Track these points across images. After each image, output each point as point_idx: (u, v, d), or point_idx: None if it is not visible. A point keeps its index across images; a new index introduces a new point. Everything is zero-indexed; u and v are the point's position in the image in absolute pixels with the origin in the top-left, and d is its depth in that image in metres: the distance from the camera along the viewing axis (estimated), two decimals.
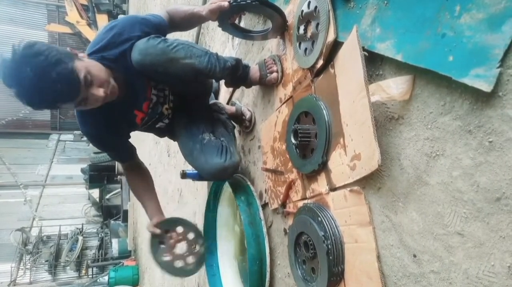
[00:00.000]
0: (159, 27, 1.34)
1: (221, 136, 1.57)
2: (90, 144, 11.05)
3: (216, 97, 2.07)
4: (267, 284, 1.45)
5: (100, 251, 9.78)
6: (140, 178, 1.66)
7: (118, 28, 1.28)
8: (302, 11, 1.17)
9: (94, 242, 10.35)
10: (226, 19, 1.37)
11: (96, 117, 1.37)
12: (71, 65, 1.10)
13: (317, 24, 1.08)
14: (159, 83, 1.44)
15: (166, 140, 3.30)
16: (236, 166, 1.51)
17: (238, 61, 1.43)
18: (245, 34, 1.51)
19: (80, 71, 1.12)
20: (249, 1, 1.26)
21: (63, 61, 1.08)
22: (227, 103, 1.96)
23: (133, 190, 1.69)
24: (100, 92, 1.19)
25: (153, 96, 1.44)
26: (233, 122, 1.75)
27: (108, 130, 1.43)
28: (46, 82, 1.05)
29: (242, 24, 1.78)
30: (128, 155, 1.60)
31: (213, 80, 1.87)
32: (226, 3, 1.29)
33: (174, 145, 3.26)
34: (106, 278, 7.14)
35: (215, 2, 1.31)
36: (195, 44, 1.36)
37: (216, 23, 1.40)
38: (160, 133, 1.69)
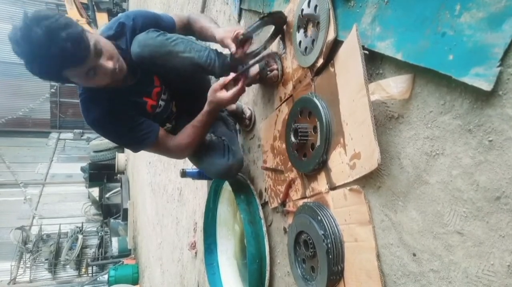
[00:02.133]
0: (165, 25, 1.35)
1: (222, 135, 1.56)
2: (90, 143, 11.07)
3: None
4: (266, 282, 1.45)
5: (100, 250, 9.78)
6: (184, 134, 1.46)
7: (124, 19, 1.31)
8: (302, 9, 1.17)
9: (94, 241, 10.35)
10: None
11: (102, 103, 1.30)
12: (81, 29, 1.10)
13: (317, 23, 1.08)
14: (161, 77, 1.44)
15: None
16: (240, 162, 1.52)
17: None
18: (251, 57, 1.44)
19: (90, 39, 1.12)
20: (254, 26, 1.24)
21: (73, 24, 1.08)
22: None
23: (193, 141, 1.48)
24: (110, 64, 1.17)
25: (162, 86, 1.44)
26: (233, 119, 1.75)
27: (116, 115, 1.34)
28: (56, 41, 1.03)
29: (242, 22, 1.77)
30: (154, 135, 1.40)
31: (213, 78, 1.87)
32: (234, 49, 1.27)
33: None
34: (106, 276, 7.14)
35: (228, 37, 1.29)
36: (196, 40, 1.36)
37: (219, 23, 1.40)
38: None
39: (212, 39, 1.41)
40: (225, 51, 1.99)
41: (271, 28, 1.35)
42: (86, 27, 11.45)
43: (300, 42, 1.20)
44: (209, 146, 1.50)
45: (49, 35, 1.02)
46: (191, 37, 1.38)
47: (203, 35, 1.48)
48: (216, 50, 1.35)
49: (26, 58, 1.06)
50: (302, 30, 1.18)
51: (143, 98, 1.41)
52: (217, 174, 1.49)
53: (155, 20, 1.36)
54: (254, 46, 1.43)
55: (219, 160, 1.46)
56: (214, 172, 1.49)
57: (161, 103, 1.49)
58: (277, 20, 1.29)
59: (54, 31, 1.03)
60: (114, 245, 8.67)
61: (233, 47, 1.27)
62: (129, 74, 1.31)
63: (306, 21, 1.16)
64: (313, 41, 1.11)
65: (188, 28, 1.45)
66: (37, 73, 1.11)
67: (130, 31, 1.31)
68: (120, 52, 1.26)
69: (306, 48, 1.15)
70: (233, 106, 1.77)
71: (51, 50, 1.03)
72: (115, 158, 9.65)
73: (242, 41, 1.28)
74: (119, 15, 1.36)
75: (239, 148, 1.56)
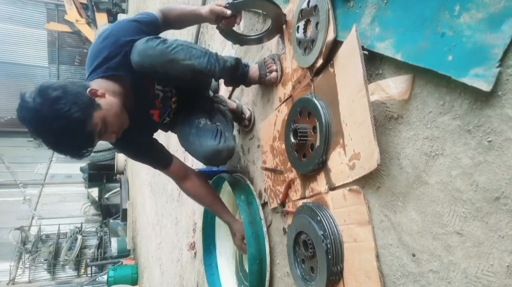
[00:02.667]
0: (152, 25, 1.34)
1: (217, 121, 1.56)
2: None
3: None
4: (266, 283, 1.45)
5: (99, 250, 9.77)
6: (198, 183, 1.63)
7: (113, 36, 1.27)
8: (302, 10, 1.17)
9: (93, 241, 10.35)
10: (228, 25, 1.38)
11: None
12: (89, 123, 1.16)
13: (317, 23, 1.08)
14: (161, 82, 1.45)
15: (164, 138, 3.30)
16: (230, 150, 1.50)
17: (237, 61, 1.43)
18: (241, 39, 1.50)
19: (97, 125, 1.18)
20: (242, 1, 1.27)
21: (82, 123, 1.14)
22: None
23: (198, 200, 1.68)
24: (112, 137, 1.29)
25: (158, 92, 1.44)
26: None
27: (133, 140, 1.45)
28: (64, 144, 1.17)
29: (242, 24, 1.78)
30: (167, 160, 1.56)
31: (212, 79, 1.87)
32: (229, 12, 1.30)
33: (172, 143, 3.26)
34: (105, 277, 7.13)
35: (220, 5, 1.31)
36: (194, 44, 1.36)
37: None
38: (164, 128, 1.69)
39: (199, 18, 1.41)
40: (224, 53, 1.99)
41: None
42: (86, 28, 11.49)
43: (299, 42, 1.20)
44: (202, 129, 1.48)
45: (59, 140, 1.15)
46: (190, 41, 1.38)
47: (186, 21, 1.47)
48: (216, 54, 1.35)
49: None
50: (301, 31, 1.18)
51: (149, 111, 1.45)
52: (205, 157, 1.46)
53: (143, 30, 1.33)
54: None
55: (209, 142, 1.44)
56: (202, 154, 1.46)
57: (172, 105, 1.53)
58: (272, 13, 1.30)
59: (64, 136, 1.14)
60: (113, 245, 8.67)
61: (227, 11, 1.30)
62: (130, 95, 1.35)
63: (305, 21, 1.16)
64: (312, 41, 1.11)
65: (166, 22, 1.42)
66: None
67: (121, 45, 1.27)
68: (116, 76, 1.28)
69: (305, 48, 1.16)
70: (233, 105, 1.77)
71: (61, 149, 1.19)
72: (114, 158, 9.65)
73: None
74: (101, 33, 1.32)
75: (232, 137, 1.55)
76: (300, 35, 1.19)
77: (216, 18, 1.35)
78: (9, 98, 12.01)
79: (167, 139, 3.50)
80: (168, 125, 1.66)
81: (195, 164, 2.82)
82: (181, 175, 1.59)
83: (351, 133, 0.92)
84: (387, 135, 0.85)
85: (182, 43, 1.28)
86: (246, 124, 1.74)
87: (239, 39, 1.51)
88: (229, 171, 1.95)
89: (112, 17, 11.19)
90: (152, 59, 1.22)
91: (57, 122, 1.10)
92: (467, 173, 0.66)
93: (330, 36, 1.01)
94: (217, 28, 1.40)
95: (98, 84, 1.25)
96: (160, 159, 1.55)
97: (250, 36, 1.50)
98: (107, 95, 1.24)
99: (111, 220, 9.28)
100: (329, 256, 0.97)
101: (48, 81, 1.40)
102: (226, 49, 2.09)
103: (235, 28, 1.45)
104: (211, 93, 1.78)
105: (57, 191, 11.65)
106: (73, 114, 1.11)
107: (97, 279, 8.61)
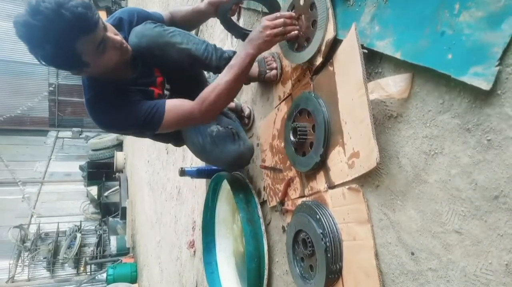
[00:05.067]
0: (157, 19, 1.35)
1: (228, 125, 1.55)
2: (88, 141, 11.06)
3: None
4: (265, 281, 1.45)
5: (99, 248, 9.77)
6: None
7: (120, 14, 1.32)
8: (294, 6, 1.17)
9: (93, 239, 10.34)
10: (227, 13, 1.37)
11: (109, 98, 1.27)
12: (93, 17, 1.07)
13: (313, 21, 1.08)
14: (158, 67, 1.44)
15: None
16: (251, 150, 1.50)
17: (236, 53, 1.43)
18: (245, 34, 1.50)
19: (100, 29, 1.10)
20: None
21: (86, 14, 1.05)
22: None
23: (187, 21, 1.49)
24: (118, 37, 1.18)
25: (158, 75, 1.43)
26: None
27: (122, 103, 1.28)
28: (67, 7, 1.01)
29: (241, 21, 1.77)
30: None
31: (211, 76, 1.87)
32: None
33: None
34: (105, 275, 7.14)
35: None
36: (193, 34, 1.37)
37: (216, 21, 1.40)
38: (165, 138, 1.67)
39: (201, 14, 1.41)
40: (224, 47, 1.99)
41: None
42: None
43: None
44: (217, 137, 1.46)
45: (59, 4, 1.01)
46: (188, 32, 1.38)
47: (191, 20, 1.46)
48: (214, 45, 1.36)
49: (37, 37, 1.02)
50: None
51: (149, 87, 1.40)
52: (228, 162, 1.45)
53: (147, 15, 1.38)
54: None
55: (230, 147, 1.43)
56: (225, 161, 1.45)
57: (166, 92, 1.48)
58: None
59: (63, 1, 1.01)
60: (113, 243, 8.67)
61: None
62: (130, 66, 1.31)
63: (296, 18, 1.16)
64: (307, 39, 1.11)
65: (173, 22, 1.43)
66: (49, 54, 1.06)
67: (128, 24, 1.32)
68: None
69: (298, 45, 1.16)
70: (232, 104, 1.77)
71: (64, 17, 1.01)
72: (113, 156, 9.64)
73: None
74: (115, 12, 1.37)
75: (247, 137, 1.54)
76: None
77: (216, 9, 1.35)
78: (7, 96, 11.99)
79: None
80: (169, 137, 1.62)
81: (194, 162, 2.82)
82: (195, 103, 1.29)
83: (351, 131, 0.92)
84: (387, 133, 0.85)
85: (180, 30, 1.30)
86: (245, 122, 1.74)
87: (241, 33, 1.50)
88: None
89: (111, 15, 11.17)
90: (149, 39, 1.23)
91: (61, 16, 1.00)
92: (466, 172, 0.66)
93: (330, 34, 1.01)
94: (221, 23, 1.40)
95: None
96: (154, 109, 1.29)
97: (250, 31, 1.50)
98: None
99: (110, 218, 9.28)
100: (328, 255, 0.97)
101: None
102: (225, 47, 2.08)
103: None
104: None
105: (56, 189, 11.64)
106: (77, 8, 1.03)
107: (96, 277, 8.62)
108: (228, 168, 1.46)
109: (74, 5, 1.02)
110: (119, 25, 1.31)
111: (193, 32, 1.51)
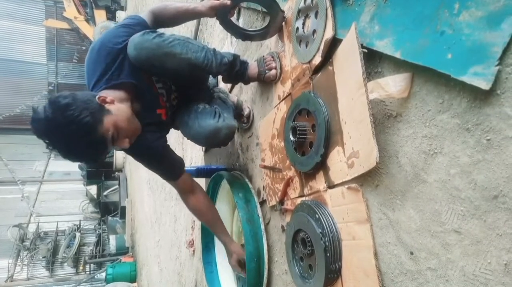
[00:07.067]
0: (140, 26, 1.33)
1: (215, 105, 1.56)
2: None
3: None
4: (265, 281, 1.46)
5: (98, 248, 9.78)
6: (203, 200, 1.62)
7: (105, 47, 1.28)
8: (300, 10, 1.17)
9: (92, 239, 10.35)
10: (226, 14, 1.37)
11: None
12: (100, 127, 1.16)
13: (316, 12, 1.08)
14: (159, 76, 1.44)
15: None
16: (230, 128, 1.48)
17: (235, 57, 1.43)
18: (245, 34, 1.50)
19: (108, 130, 1.18)
20: None
21: (93, 127, 1.14)
22: None
23: (199, 215, 1.68)
24: (125, 143, 1.27)
25: (160, 90, 1.44)
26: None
27: (146, 147, 1.44)
28: (77, 150, 1.18)
29: (241, 21, 1.77)
30: (178, 171, 1.53)
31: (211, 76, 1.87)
32: (229, 1, 1.31)
33: (172, 141, 3.25)
34: (104, 274, 7.14)
35: None
36: (192, 39, 1.36)
37: (216, 21, 1.40)
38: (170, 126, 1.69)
39: (198, 15, 1.41)
40: (223, 50, 1.99)
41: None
42: (84, 25, 11.45)
43: (300, 40, 1.20)
44: (201, 113, 1.48)
45: (71, 146, 1.16)
46: (188, 37, 1.37)
47: (181, 19, 1.46)
48: (213, 49, 1.35)
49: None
50: (301, 29, 1.18)
51: (156, 111, 1.44)
52: (205, 136, 1.44)
53: (132, 26, 1.33)
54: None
55: (208, 121, 1.43)
56: (202, 135, 1.45)
57: (173, 103, 1.52)
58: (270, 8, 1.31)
59: (76, 142, 1.15)
60: (112, 243, 8.69)
61: (227, 1, 1.32)
62: (135, 99, 1.35)
63: (304, 17, 1.16)
64: (314, 31, 1.10)
65: (158, 22, 1.41)
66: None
67: (116, 52, 1.28)
68: (119, 84, 1.28)
69: (307, 43, 1.15)
70: (235, 98, 1.77)
71: (74, 156, 1.22)
72: (113, 156, 9.64)
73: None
74: (91, 47, 1.32)
75: (232, 118, 1.54)
76: (300, 33, 1.19)
77: (216, 13, 1.36)
78: (7, 95, 11.98)
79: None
80: (168, 124, 1.65)
81: (194, 162, 2.82)
82: (187, 189, 1.58)
83: (350, 131, 0.92)
84: (386, 133, 0.85)
85: (179, 37, 1.28)
86: (244, 122, 1.74)
87: (240, 33, 1.50)
88: (228, 169, 1.96)
89: (110, 14, 11.16)
90: (149, 52, 1.23)
91: (68, 128, 1.11)
92: (466, 172, 0.66)
93: (329, 34, 1.01)
94: (220, 24, 1.40)
95: (105, 93, 1.25)
96: (171, 168, 1.53)
97: (250, 31, 1.50)
98: (116, 101, 1.25)
99: (109, 218, 9.28)
100: (328, 254, 0.97)
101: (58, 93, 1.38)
102: (225, 47, 2.08)
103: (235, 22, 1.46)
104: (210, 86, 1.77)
105: (56, 189, 11.64)
106: (83, 119, 1.12)
107: (95, 277, 8.62)
108: (205, 143, 1.49)
109: (86, 146, 1.18)
110: (110, 56, 1.27)
111: (191, 33, 1.51)
